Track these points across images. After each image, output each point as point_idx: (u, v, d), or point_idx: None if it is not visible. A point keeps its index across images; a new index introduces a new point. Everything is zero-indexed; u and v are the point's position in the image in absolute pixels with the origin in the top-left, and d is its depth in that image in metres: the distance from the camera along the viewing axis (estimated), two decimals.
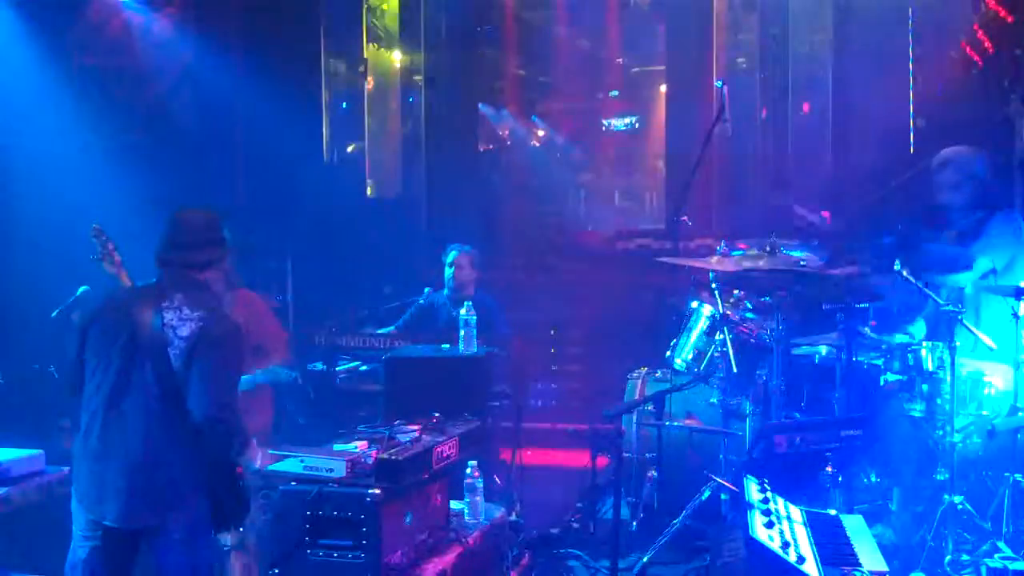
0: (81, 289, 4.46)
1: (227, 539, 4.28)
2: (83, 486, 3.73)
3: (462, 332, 5.25)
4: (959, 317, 4.79)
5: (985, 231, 5.25)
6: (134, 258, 4.89)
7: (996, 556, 4.49)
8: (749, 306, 5.97)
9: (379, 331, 6.67)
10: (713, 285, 5.58)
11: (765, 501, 3.58)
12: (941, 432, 4.85)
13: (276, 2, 8.06)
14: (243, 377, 4.65)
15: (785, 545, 3.29)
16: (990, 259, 5.10)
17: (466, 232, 8.68)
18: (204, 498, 3.74)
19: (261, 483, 4.51)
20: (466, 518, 4.51)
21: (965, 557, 4.65)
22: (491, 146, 11.26)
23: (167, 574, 3.73)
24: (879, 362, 5.33)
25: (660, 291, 8.16)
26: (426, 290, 6.97)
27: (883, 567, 3.39)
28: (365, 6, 9.24)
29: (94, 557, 3.72)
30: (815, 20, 9.44)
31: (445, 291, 6.81)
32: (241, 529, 4.06)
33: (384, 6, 9.78)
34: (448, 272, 6.76)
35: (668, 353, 5.82)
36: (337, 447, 4.05)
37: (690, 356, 5.63)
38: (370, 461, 3.89)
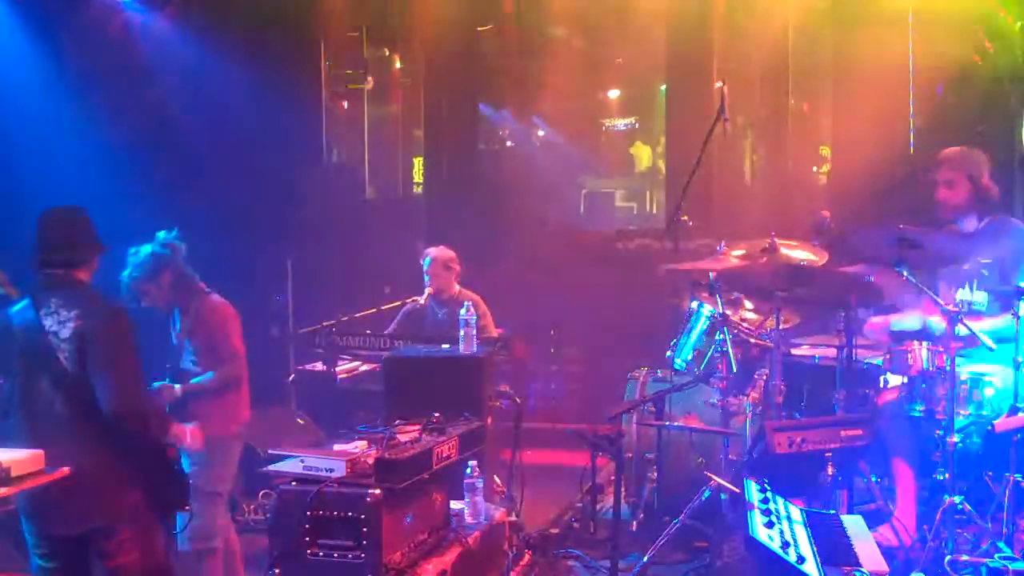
0: None
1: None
2: (23, 501, 3.77)
3: (462, 332, 5.25)
4: (959, 317, 4.79)
5: (984, 235, 5.25)
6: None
7: (996, 556, 4.49)
8: (749, 306, 5.98)
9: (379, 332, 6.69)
10: (713, 285, 5.58)
11: (765, 501, 3.58)
12: (941, 432, 4.85)
13: (276, 2, 8.06)
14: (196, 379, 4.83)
15: (785, 545, 3.29)
16: (990, 260, 5.12)
17: (466, 232, 8.69)
18: (141, 488, 3.80)
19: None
20: (466, 518, 4.51)
21: (965, 557, 4.64)
22: (491, 146, 11.26)
23: (125, 571, 3.75)
24: (879, 362, 5.33)
25: (660, 291, 8.16)
26: (427, 291, 6.98)
27: (883, 567, 3.40)
28: (365, 6, 9.24)
29: (48, 569, 3.76)
30: (816, 19, 9.44)
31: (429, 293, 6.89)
32: (188, 509, 4.12)
33: (385, 6, 9.78)
34: (426, 279, 6.84)
35: (668, 353, 5.82)
36: (337, 447, 4.05)
37: (690, 356, 5.63)
38: (370, 461, 3.89)
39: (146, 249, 4.95)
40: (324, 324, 6.50)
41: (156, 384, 4.88)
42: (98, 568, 3.83)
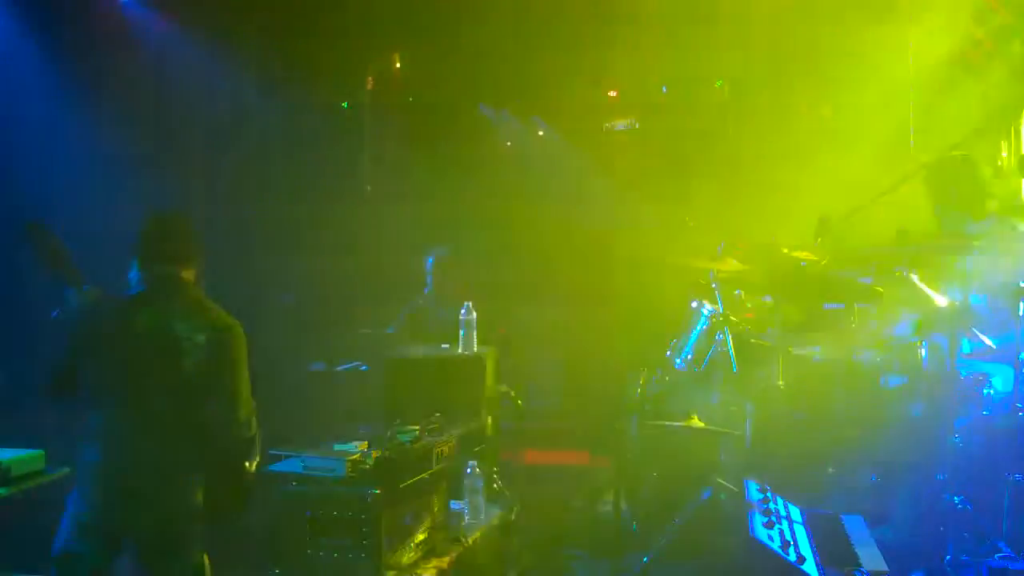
0: (83, 288, 4.46)
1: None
2: (87, 489, 3.70)
3: (461, 332, 5.25)
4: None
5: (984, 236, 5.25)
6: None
7: (996, 556, 4.49)
8: (749, 306, 5.98)
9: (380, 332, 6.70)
10: (713, 285, 5.58)
11: (765, 501, 3.58)
12: (941, 432, 4.85)
13: (276, 2, 8.06)
14: None
15: (785, 545, 3.29)
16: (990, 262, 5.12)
17: (466, 232, 8.69)
18: (200, 502, 3.72)
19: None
20: (466, 518, 4.51)
21: (965, 557, 4.64)
22: (491, 146, 11.26)
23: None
24: (879, 362, 5.33)
25: (660, 291, 8.16)
26: (427, 291, 6.99)
27: (883, 567, 3.39)
28: (365, 6, 9.23)
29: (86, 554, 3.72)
30: (817, 18, 9.43)
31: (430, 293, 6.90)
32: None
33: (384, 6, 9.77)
34: (428, 279, 6.85)
35: (668, 353, 5.82)
36: (337, 447, 4.05)
37: (690, 356, 5.63)
38: (370, 461, 3.90)
39: None
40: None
41: None
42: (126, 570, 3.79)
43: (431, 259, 6.96)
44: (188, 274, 3.86)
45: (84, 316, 3.83)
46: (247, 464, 3.76)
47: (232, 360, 3.69)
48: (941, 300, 4.98)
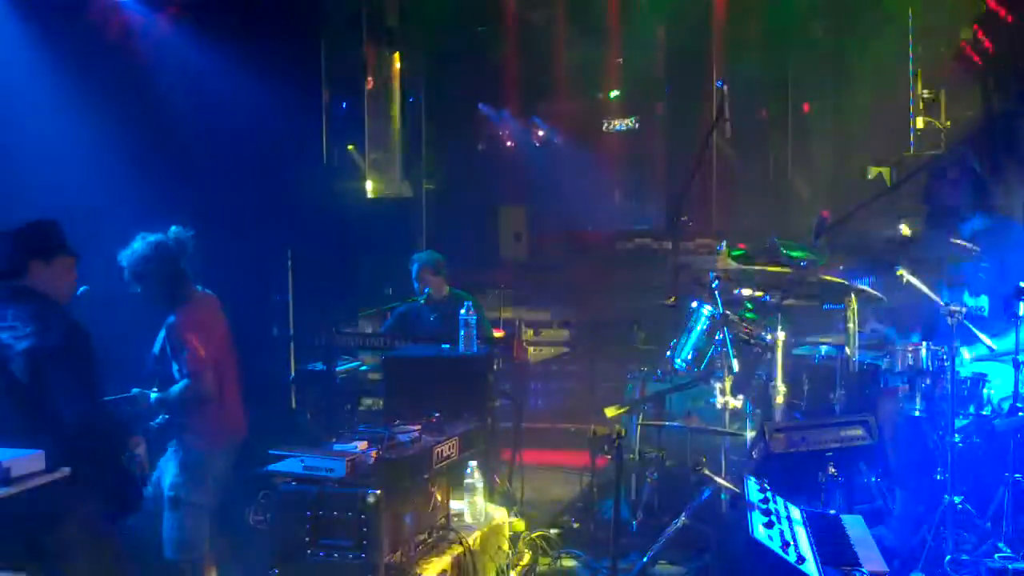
0: (81, 289, 4.46)
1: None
2: None
3: (462, 332, 5.25)
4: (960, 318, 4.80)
5: (985, 237, 5.25)
6: None
7: (996, 556, 4.49)
8: (749, 306, 5.98)
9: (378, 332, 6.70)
10: (713, 285, 5.59)
11: (765, 501, 3.58)
12: (941, 432, 4.85)
13: (276, 2, 8.05)
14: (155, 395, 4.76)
15: (785, 545, 3.29)
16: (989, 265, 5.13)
17: (465, 232, 8.70)
18: (95, 493, 3.85)
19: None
20: (466, 518, 4.51)
21: (965, 557, 4.65)
22: (491, 146, 11.27)
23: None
24: (879, 362, 5.33)
25: (660, 291, 8.16)
26: (427, 291, 6.99)
27: (883, 567, 3.39)
28: (365, 6, 9.23)
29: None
30: (817, 18, 9.44)
31: (422, 299, 6.90)
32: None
33: (384, 6, 9.78)
34: (415, 285, 6.87)
35: (668, 353, 5.83)
36: (337, 447, 4.05)
37: (690, 356, 5.63)
38: (370, 461, 3.90)
39: (155, 236, 4.87)
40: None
41: (135, 391, 4.77)
42: (49, 570, 3.85)
43: (416, 265, 6.98)
44: (26, 279, 4.00)
45: None
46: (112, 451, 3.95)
47: (52, 366, 3.81)
48: (941, 300, 4.98)
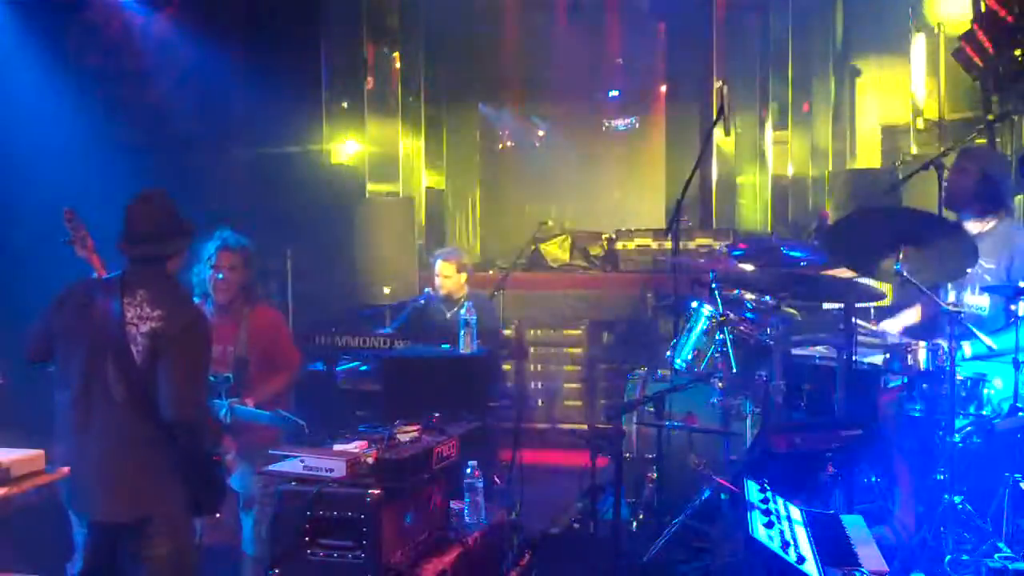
0: None
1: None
2: (64, 485, 3.78)
3: (462, 332, 5.25)
4: (959, 317, 4.79)
5: (989, 237, 5.23)
6: None
7: (996, 556, 4.48)
8: (749, 306, 5.97)
9: (379, 331, 6.68)
10: (713, 285, 5.58)
11: (765, 501, 3.58)
12: (941, 432, 4.85)
13: (276, 2, 8.06)
14: (249, 410, 4.70)
15: (785, 545, 3.28)
16: (994, 265, 5.11)
17: (465, 232, 8.69)
18: (182, 489, 3.81)
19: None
20: (466, 518, 4.51)
21: (965, 557, 4.64)
22: (491, 146, 11.27)
23: (152, 565, 3.76)
24: (879, 362, 5.32)
25: (660, 291, 8.16)
26: (426, 290, 7.00)
27: (883, 567, 3.39)
28: (365, 6, 9.24)
29: (87, 544, 3.77)
30: (818, 19, 9.45)
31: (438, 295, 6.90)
32: (218, 515, 4.14)
33: (384, 6, 9.78)
34: (436, 281, 6.87)
35: (668, 353, 5.82)
36: (337, 447, 4.05)
37: (690, 356, 5.62)
38: (370, 461, 3.89)
39: (241, 239, 5.01)
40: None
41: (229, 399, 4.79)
42: (125, 559, 3.82)
43: (438, 258, 6.97)
44: (171, 259, 3.90)
45: (62, 294, 3.90)
46: (205, 450, 3.86)
47: (173, 353, 3.71)
48: (941, 300, 4.97)
